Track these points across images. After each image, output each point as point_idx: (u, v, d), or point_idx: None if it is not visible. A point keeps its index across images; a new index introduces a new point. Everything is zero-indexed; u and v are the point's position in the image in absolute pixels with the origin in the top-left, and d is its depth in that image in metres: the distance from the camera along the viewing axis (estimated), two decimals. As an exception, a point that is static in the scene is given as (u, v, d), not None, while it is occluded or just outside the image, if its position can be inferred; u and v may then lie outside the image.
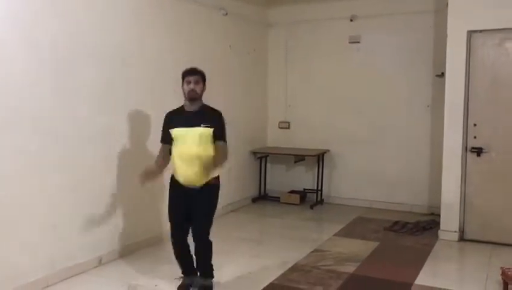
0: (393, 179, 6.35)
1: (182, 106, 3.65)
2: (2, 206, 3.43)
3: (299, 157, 6.68)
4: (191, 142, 3.49)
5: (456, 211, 5.01)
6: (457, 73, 4.94)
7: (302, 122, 6.95)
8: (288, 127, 7.09)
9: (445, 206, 5.08)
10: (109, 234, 4.36)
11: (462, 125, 4.95)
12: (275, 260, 4.39)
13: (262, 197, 6.96)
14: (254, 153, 6.82)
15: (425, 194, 6.15)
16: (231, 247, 4.71)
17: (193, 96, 3.54)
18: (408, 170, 6.26)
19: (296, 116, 7.01)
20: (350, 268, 4.22)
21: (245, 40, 6.54)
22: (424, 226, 5.51)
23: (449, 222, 5.06)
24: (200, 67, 3.64)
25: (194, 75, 3.55)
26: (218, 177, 3.66)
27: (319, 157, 6.62)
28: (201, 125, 3.50)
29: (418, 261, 4.41)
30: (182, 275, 3.77)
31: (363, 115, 6.50)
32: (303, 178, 6.96)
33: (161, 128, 3.69)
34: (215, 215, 3.65)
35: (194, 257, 3.68)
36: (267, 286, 3.82)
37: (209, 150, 3.53)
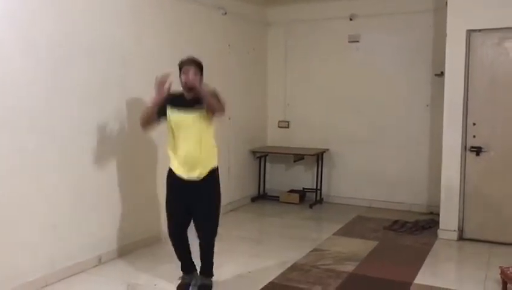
0: (393, 178, 6.35)
1: (182, 92, 3.59)
2: (0, 205, 3.43)
3: (298, 157, 6.68)
4: (192, 126, 3.46)
5: (455, 210, 5.02)
6: (456, 72, 4.94)
7: (302, 122, 6.95)
8: (288, 127, 7.08)
9: (444, 206, 5.08)
10: (109, 233, 4.36)
11: (461, 125, 4.95)
12: (275, 259, 4.39)
13: (261, 197, 6.96)
14: (253, 152, 6.82)
15: (425, 193, 6.15)
16: (230, 246, 4.71)
17: (190, 86, 3.48)
18: (407, 169, 6.26)
19: (296, 115, 7.01)
20: (349, 267, 4.22)
21: (244, 40, 6.54)
22: (423, 225, 5.51)
23: (448, 221, 5.06)
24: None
25: (190, 65, 3.52)
26: (217, 169, 3.63)
27: (319, 157, 6.62)
28: (201, 106, 3.44)
29: (417, 261, 4.41)
30: (182, 274, 3.77)
31: (362, 114, 6.50)
32: (302, 177, 6.96)
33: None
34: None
35: (192, 253, 3.67)
36: (267, 285, 3.82)
37: (210, 136, 3.52)
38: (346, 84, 6.58)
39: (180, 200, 3.58)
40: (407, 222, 5.64)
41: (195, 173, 3.50)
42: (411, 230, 5.37)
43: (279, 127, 7.15)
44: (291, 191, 6.87)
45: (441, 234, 5.10)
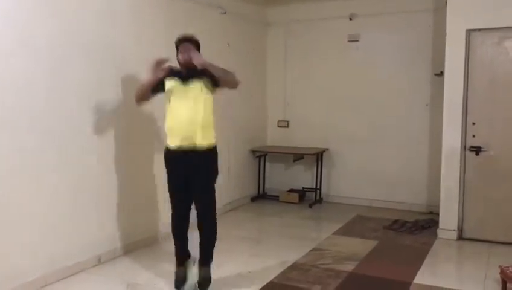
0: (392, 177, 6.35)
1: (180, 70, 3.59)
2: (0, 205, 3.43)
3: (298, 156, 6.68)
4: (193, 95, 3.45)
5: (454, 209, 5.02)
6: (456, 72, 4.94)
7: (301, 121, 6.95)
8: (287, 126, 7.09)
9: (444, 205, 5.09)
10: (108, 233, 4.36)
11: (461, 124, 4.95)
12: (274, 259, 4.39)
13: (261, 196, 6.96)
14: (253, 151, 6.82)
15: (424, 193, 6.15)
16: (230, 246, 4.71)
17: (188, 65, 3.46)
18: (407, 169, 6.26)
19: (295, 115, 7.01)
20: (349, 267, 4.22)
21: (244, 39, 6.54)
22: (423, 225, 5.51)
23: (448, 221, 5.06)
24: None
25: (187, 42, 3.48)
26: (215, 148, 3.62)
27: (318, 156, 6.62)
28: (202, 77, 3.43)
29: (416, 260, 4.42)
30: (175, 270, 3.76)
31: (362, 113, 6.50)
32: (302, 177, 6.96)
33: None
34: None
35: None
36: (266, 285, 3.82)
37: (209, 107, 3.51)
38: (346, 84, 6.58)
39: (179, 173, 3.54)
40: (406, 222, 5.64)
41: (195, 140, 3.45)
42: (411, 230, 5.37)
43: (278, 126, 7.15)
44: (291, 190, 6.87)
45: (440, 233, 5.10)
